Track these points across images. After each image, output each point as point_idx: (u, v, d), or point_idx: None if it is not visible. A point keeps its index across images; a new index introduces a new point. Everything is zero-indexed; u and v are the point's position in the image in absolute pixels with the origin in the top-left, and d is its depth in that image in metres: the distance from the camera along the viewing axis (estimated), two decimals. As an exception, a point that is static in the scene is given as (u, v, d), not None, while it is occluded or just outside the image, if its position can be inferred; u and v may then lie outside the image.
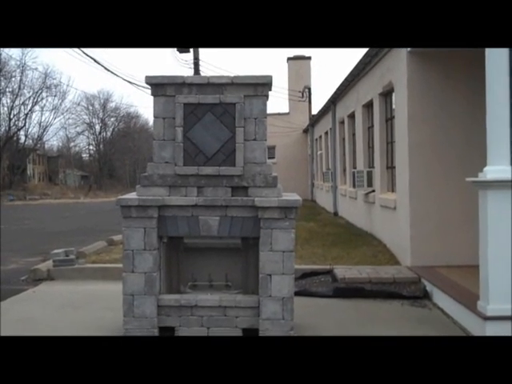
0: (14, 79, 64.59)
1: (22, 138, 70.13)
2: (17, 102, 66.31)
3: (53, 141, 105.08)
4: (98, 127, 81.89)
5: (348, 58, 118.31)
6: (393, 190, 13.23)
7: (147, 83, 7.46)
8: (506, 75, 6.94)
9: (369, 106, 15.85)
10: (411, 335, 7.06)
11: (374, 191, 14.82)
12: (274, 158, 36.60)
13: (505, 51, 6.90)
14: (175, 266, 7.73)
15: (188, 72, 29.42)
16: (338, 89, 19.71)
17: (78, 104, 79.85)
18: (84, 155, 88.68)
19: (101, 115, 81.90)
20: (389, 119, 13.67)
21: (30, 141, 71.72)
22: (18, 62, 64.62)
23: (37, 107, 71.80)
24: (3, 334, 7.26)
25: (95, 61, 29.21)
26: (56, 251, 11.88)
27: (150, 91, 7.48)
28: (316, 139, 32.07)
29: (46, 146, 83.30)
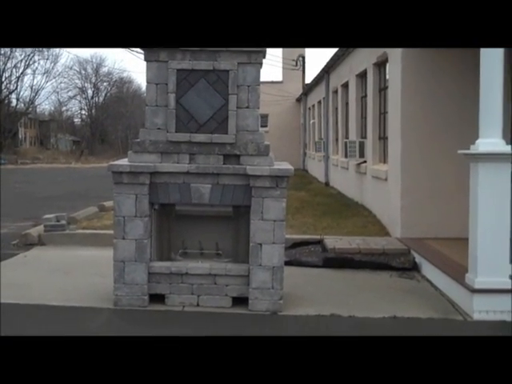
0: (5, 41, 63.85)
1: (14, 102, 69.65)
2: (8, 65, 65.67)
3: (45, 105, 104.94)
4: (90, 92, 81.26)
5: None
6: (384, 161, 13.24)
7: (140, 48, 7.39)
8: (500, 48, 6.92)
9: (362, 75, 15.79)
10: (401, 315, 7.12)
11: (365, 162, 14.82)
12: (266, 126, 36.50)
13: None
14: (166, 234, 7.74)
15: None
16: (332, 58, 19.62)
17: (71, 68, 79.13)
18: (76, 120, 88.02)
19: (93, 80, 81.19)
20: (382, 89, 13.63)
21: (22, 104, 71.21)
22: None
23: (29, 70, 71.28)
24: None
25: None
26: (47, 216, 11.86)
27: (143, 56, 7.42)
28: (309, 108, 31.98)
29: (38, 110, 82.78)
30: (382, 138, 13.60)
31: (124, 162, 7.47)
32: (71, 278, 8.69)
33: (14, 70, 66.45)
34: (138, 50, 7.53)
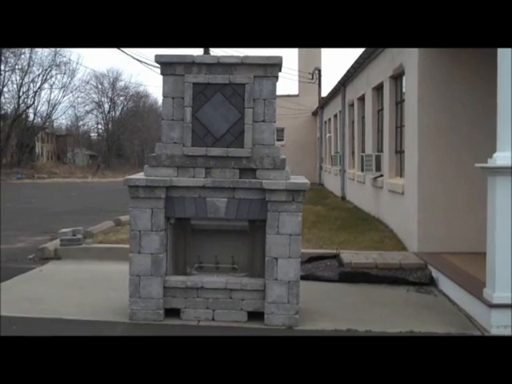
0: (23, 56, 64.25)
1: (31, 116, 70.07)
2: (26, 80, 66.11)
3: (61, 119, 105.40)
4: (106, 106, 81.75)
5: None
6: (401, 175, 13.18)
7: (157, 62, 7.42)
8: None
9: (379, 88, 15.77)
10: (418, 331, 7.06)
11: (382, 176, 14.76)
12: (282, 140, 36.49)
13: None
14: (182, 248, 7.72)
15: (198, 51, 29.27)
16: (349, 71, 19.60)
17: (87, 82, 79.65)
18: (92, 134, 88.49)
19: (110, 94, 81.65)
20: (399, 102, 13.59)
21: (39, 119, 71.64)
22: (28, 40, 64.09)
23: (46, 85, 71.62)
24: (10, 313, 7.31)
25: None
26: (63, 230, 11.90)
27: (159, 70, 7.45)
28: (325, 122, 31.96)
29: (55, 125, 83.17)
30: (399, 151, 13.54)
31: (140, 176, 7.48)
32: (87, 292, 8.69)
33: (31, 84, 66.96)
34: (155, 63, 7.53)
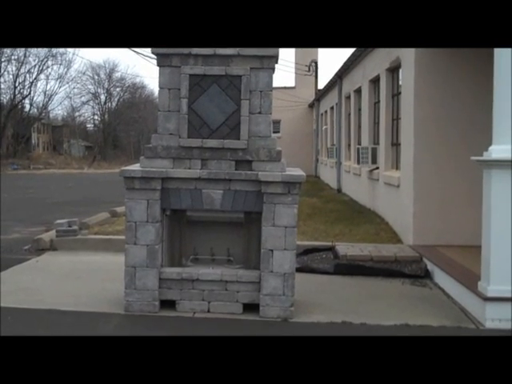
0: (19, 47, 64.24)
1: (27, 107, 70.03)
2: (22, 70, 66.04)
3: (58, 110, 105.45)
4: (103, 97, 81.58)
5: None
6: (397, 168, 13.19)
7: (153, 53, 7.39)
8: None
9: (375, 81, 15.75)
10: (412, 323, 7.07)
11: (378, 168, 14.77)
12: (278, 132, 36.44)
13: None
14: (177, 239, 7.73)
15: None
16: (345, 63, 19.58)
17: (84, 73, 79.95)
18: (89, 125, 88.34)
19: (106, 85, 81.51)
20: (395, 95, 13.58)
21: (35, 109, 71.60)
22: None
23: (42, 75, 71.91)
24: (6, 304, 7.32)
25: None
26: (59, 221, 11.89)
27: (155, 61, 7.42)
28: (321, 114, 31.92)
29: (51, 115, 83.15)
30: (395, 144, 13.54)
31: (136, 167, 7.46)
32: (82, 283, 8.68)
33: (27, 75, 66.86)
34: (151, 55, 7.52)
